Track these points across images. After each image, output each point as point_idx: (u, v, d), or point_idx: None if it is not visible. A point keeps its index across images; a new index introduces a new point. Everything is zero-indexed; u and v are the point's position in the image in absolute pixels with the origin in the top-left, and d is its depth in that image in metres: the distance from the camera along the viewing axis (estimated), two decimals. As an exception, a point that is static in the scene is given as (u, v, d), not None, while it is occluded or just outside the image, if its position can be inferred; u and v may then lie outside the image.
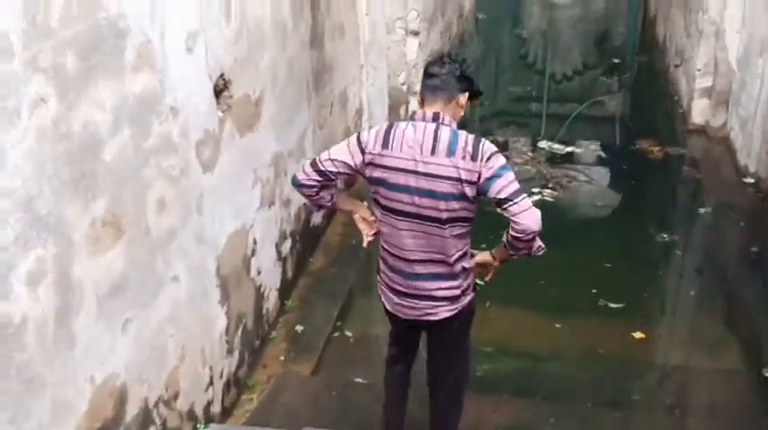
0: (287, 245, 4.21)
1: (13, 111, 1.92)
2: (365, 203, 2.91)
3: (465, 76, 2.55)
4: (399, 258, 2.65)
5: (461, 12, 9.66)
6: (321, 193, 2.75)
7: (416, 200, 2.50)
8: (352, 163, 2.60)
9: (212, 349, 3.23)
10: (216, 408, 3.26)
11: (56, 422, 2.17)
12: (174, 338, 2.87)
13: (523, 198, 2.45)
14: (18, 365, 2.00)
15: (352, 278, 4.59)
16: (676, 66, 7.58)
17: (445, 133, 2.47)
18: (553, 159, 6.13)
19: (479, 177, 2.44)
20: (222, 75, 3.19)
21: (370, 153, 2.54)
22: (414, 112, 2.63)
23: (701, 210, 5.22)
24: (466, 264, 2.68)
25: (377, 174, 2.55)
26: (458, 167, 2.44)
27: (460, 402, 2.99)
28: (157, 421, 2.76)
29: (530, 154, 6.12)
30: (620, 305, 4.17)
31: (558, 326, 4.06)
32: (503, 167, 2.46)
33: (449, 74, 2.54)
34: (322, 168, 2.67)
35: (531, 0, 12.21)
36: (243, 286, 3.55)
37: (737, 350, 3.95)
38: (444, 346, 2.86)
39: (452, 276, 2.64)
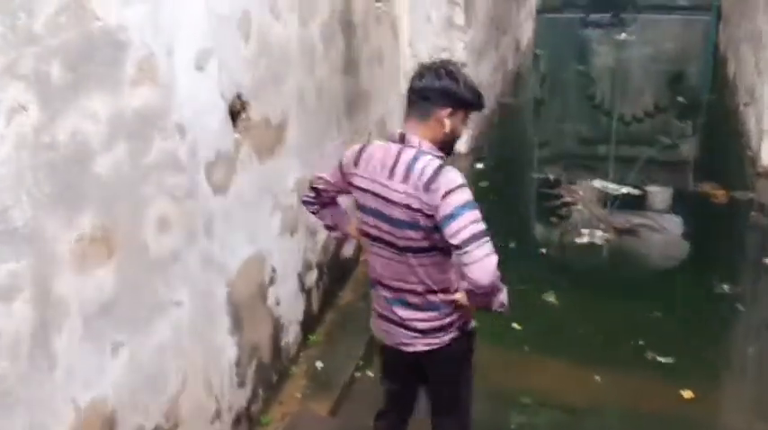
0: (312, 276, 4.07)
1: (-12, 116, 1.86)
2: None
3: (448, 90, 2.29)
4: (377, 281, 2.52)
5: (518, 46, 9.51)
6: (322, 212, 2.68)
7: (379, 224, 2.37)
8: (332, 180, 2.55)
9: (220, 380, 3.08)
10: (222, 443, 3.10)
11: (29, 444, 2.05)
12: (174, 365, 2.74)
13: (479, 245, 2.18)
14: (-15, 382, 1.90)
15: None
16: (745, 105, 7.16)
17: (406, 156, 2.29)
18: (609, 200, 5.81)
19: (438, 211, 2.23)
20: (239, 95, 3.11)
21: (346, 172, 2.45)
22: None
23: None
24: (446, 297, 2.43)
25: (353, 193, 2.46)
26: (409, 194, 2.26)
27: None
28: (153, 451, 2.62)
29: (580, 193, 5.82)
30: (669, 360, 3.83)
31: (597, 378, 3.73)
32: (463, 206, 2.21)
33: (425, 88, 2.32)
34: (314, 185, 2.63)
35: (594, 37, 11.91)
36: (258, 316, 3.41)
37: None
38: (432, 392, 2.65)
39: (428, 308, 2.43)
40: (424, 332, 2.46)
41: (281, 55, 3.47)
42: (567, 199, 5.70)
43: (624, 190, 6.02)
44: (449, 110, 2.31)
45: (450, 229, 2.19)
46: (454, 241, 2.19)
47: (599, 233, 5.18)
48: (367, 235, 2.47)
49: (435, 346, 2.47)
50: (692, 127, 8.12)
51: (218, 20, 2.90)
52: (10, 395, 1.98)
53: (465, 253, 2.18)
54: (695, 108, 8.55)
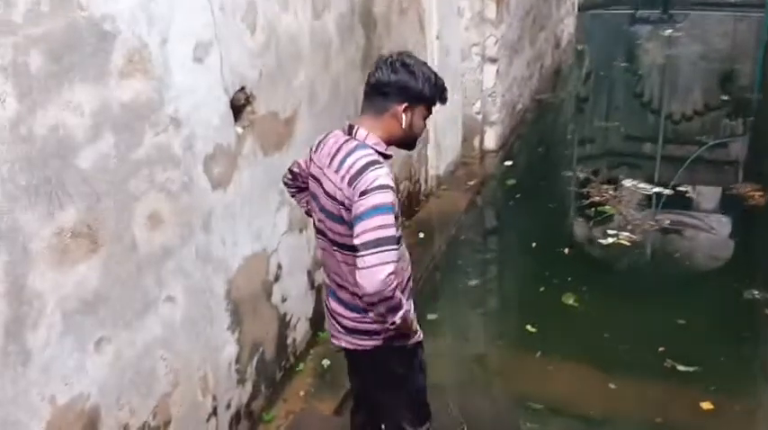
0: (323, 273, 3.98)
1: (-41, 107, 1.82)
2: None
3: (403, 85, 2.19)
4: (324, 271, 2.53)
5: (557, 42, 9.26)
6: (298, 196, 2.67)
7: (317, 212, 2.36)
8: (303, 165, 2.54)
9: (217, 377, 3.03)
10: (218, 441, 3.05)
11: (2, 442, 2.03)
12: (165, 362, 2.69)
13: (376, 252, 2.06)
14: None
15: (394, 313, 4.29)
16: (794, 103, 6.83)
17: (346, 147, 2.23)
18: (640, 201, 5.58)
19: (353, 209, 2.16)
20: (243, 89, 3.04)
21: (311, 157, 2.44)
22: None
23: (805, 267, 4.54)
24: None
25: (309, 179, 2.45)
26: (337, 186, 2.21)
27: None
28: (139, 449, 2.58)
29: (610, 193, 5.60)
30: (689, 368, 3.64)
31: (613, 386, 3.56)
32: (376, 208, 2.10)
33: (379, 82, 2.22)
34: (291, 168, 2.63)
35: (641, 34, 11.54)
36: (261, 313, 3.35)
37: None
38: (366, 394, 2.61)
39: (353, 307, 2.36)
40: (347, 330, 2.41)
41: (291, 48, 3.39)
42: (596, 198, 5.49)
43: (656, 190, 5.78)
44: (405, 104, 2.22)
45: (356, 230, 2.12)
46: (356, 242, 2.12)
47: (626, 234, 4.96)
48: (314, 223, 2.47)
49: (358, 347, 2.41)
50: (738, 126, 7.77)
51: (221, 11, 2.83)
52: (-19, 390, 1.96)
53: (360, 256, 2.10)
54: (743, 107, 8.18)
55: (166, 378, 2.70)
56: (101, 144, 2.27)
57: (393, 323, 2.18)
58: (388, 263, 2.07)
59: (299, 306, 3.72)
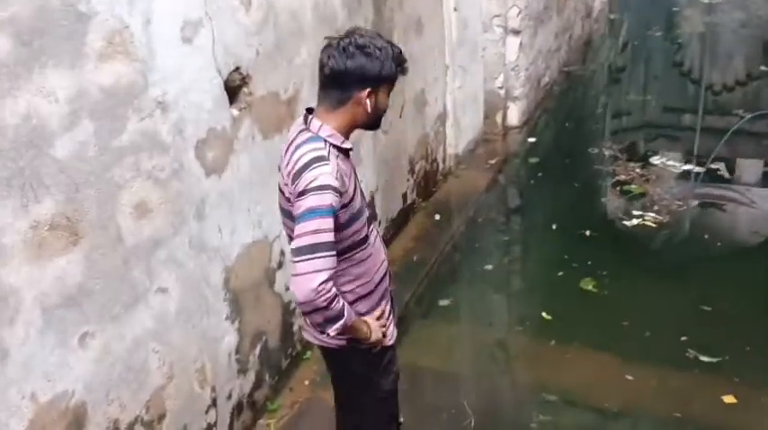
0: (331, 257, 3.87)
1: None
2: None
3: (362, 70, 2.00)
4: None
5: (588, 11, 8.91)
6: None
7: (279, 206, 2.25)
8: None
9: (216, 368, 2.94)
10: (220, 432, 2.98)
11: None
12: (158, 355, 2.61)
13: (307, 260, 1.93)
14: None
15: (407, 299, 4.15)
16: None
17: (299, 139, 2.09)
18: (665, 178, 5.32)
19: (293, 209, 2.04)
20: (238, 69, 2.90)
21: None
22: None
23: (843, 248, 4.28)
24: None
25: None
26: (284, 182, 2.10)
27: None
28: (131, 444, 2.52)
29: (638, 171, 5.36)
30: (712, 359, 3.44)
31: (630, 377, 3.39)
32: (312, 211, 1.95)
33: (334, 71, 2.03)
34: None
35: (679, 1, 11.05)
36: (263, 301, 3.25)
37: None
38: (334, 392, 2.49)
39: None
40: (313, 325, 2.26)
41: (291, 24, 3.24)
42: (622, 177, 5.26)
43: (685, 167, 5.52)
44: (367, 90, 2.04)
45: (294, 232, 1.99)
46: (291, 246, 1.99)
47: (651, 214, 4.73)
48: None
49: (322, 344, 2.30)
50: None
51: (212, -14, 2.70)
52: (-45, 390, 1.89)
53: (293, 263, 1.97)
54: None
55: (160, 371, 2.62)
56: (78, 131, 2.17)
57: (328, 335, 2.06)
58: (321, 270, 1.93)
59: (305, 292, 3.62)
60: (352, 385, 2.40)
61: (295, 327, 3.56)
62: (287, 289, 3.43)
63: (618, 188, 5.12)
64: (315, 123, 2.08)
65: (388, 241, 4.57)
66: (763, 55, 8.62)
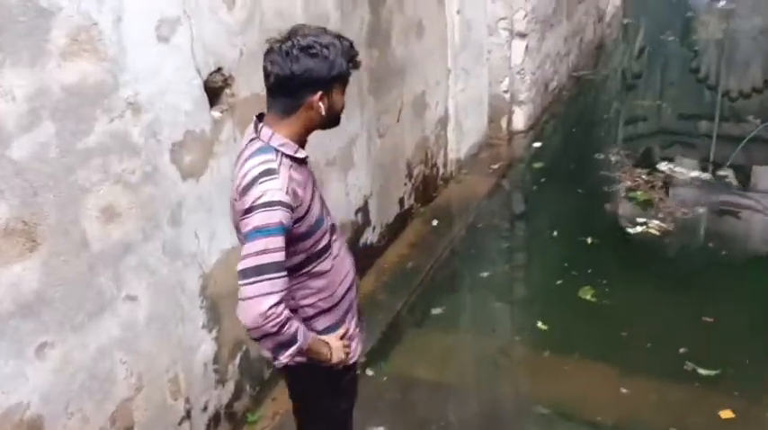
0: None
1: None
2: None
3: (310, 74, 1.84)
4: None
5: (600, 15, 8.75)
6: None
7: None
8: None
9: (190, 379, 2.84)
10: (193, 444, 2.88)
11: None
12: (125, 365, 2.52)
13: (253, 283, 1.79)
14: None
15: (398, 307, 4.03)
16: None
17: (249, 150, 1.94)
18: (672, 185, 5.16)
19: (240, 226, 1.90)
20: (220, 69, 2.81)
21: None
22: None
23: None
24: None
25: None
26: (234, 196, 1.95)
27: None
28: (94, 457, 2.42)
29: (644, 177, 5.20)
30: (711, 372, 3.29)
31: (626, 390, 3.25)
32: (259, 230, 1.81)
33: (279, 77, 1.88)
34: None
35: (696, 7, 10.81)
36: (245, 309, 3.15)
37: None
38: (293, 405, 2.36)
39: None
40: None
41: (279, 23, 3.10)
42: (628, 183, 5.10)
43: (693, 174, 5.35)
44: (319, 93, 1.90)
45: (242, 252, 1.85)
46: (237, 268, 1.85)
47: (656, 222, 4.57)
48: None
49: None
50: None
51: (192, -16, 2.60)
52: None
53: (239, 285, 1.83)
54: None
55: (127, 381, 2.52)
56: (38, 132, 2.07)
57: (279, 363, 1.93)
58: (269, 294, 1.80)
59: (291, 299, 3.52)
60: (309, 401, 2.28)
61: (280, 336, 3.47)
62: (271, 296, 3.34)
63: (623, 194, 4.97)
64: (265, 132, 1.94)
65: (383, 247, 4.46)
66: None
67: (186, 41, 2.61)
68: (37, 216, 2.10)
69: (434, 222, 4.84)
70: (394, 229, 4.61)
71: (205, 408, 2.95)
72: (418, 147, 4.84)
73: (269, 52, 1.92)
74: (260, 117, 2.00)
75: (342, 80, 1.93)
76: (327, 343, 2.07)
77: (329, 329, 2.11)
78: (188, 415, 2.85)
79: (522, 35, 5.78)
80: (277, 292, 1.81)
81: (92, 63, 2.22)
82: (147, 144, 2.48)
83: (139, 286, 2.53)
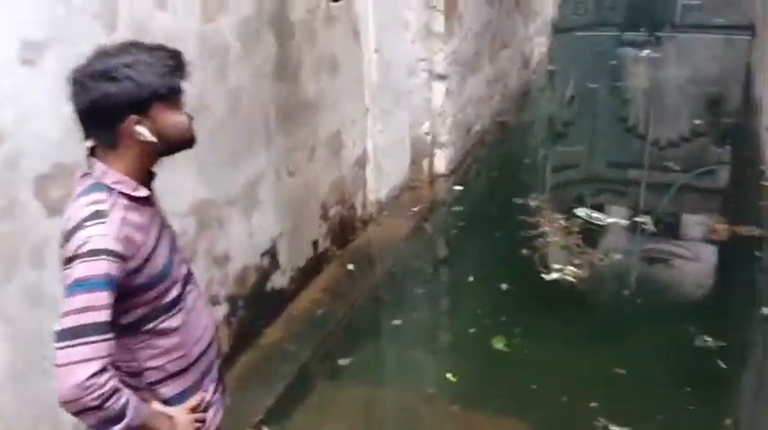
0: (219, 312, 3.51)
1: None
2: None
3: (109, 101, 1.60)
4: None
5: (526, 62, 8.89)
6: None
7: None
8: None
9: (57, 439, 2.54)
10: None
11: None
12: (-28, 427, 2.22)
13: (70, 345, 1.55)
14: None
15: (306, 358, 3.79)
16: (767, 130, 6.45)
17: (79, 189, 1.71)
18: (589, 231, 5.13)
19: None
20: (98, 98, 2.59)
21: None
22: None
23: (766, 311, 4.06)
24: (132, 381, 1.77)
25: None
26: (61, 241, 1.68)
27: None
28: None
29: (562, 223, 5.17)
30: (623, 429, 3.15)
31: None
32: (79, 283, 1.57)
33: (80, 112, 1.65)
34: None
35: (625, 57, 11.13)
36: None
37: None
38: None
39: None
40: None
41: (170, 53, 2.95)
42: (546, 228, 5.06)
43: (610, 220, 5.36)
44: (133, 117, 1.66)
45: (62, 308, 1.61)
46: (53, 328, 1.60)
47: (572, 268, 4.51)
48: None
49: None
50: (720, 154, 7.37)
51: (64, 5, 2.40)
52: None
53: (56, 349, 1.58)
54: (722, 132, 7.79)
55: (-27, 447, 2.23)
56: None
57: None
58: (90, 360, 1.54)
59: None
60: None
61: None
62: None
63: (541, 240, 4.90)
64: (99, 167, 1.68)
65: (293, 292, 4.24)
66: (706, 111, 8.70)
67: (54, 66, 2.39)
68: None
69: (350, 266, 4.66)
70: (306, 273, 4.40)
71: (73, 473, 2.64)
72: (334, 187, 4.68)
73: (68, 83, 1.67)
74: (92, 150, 1.72)
75: (163, 97, 1.67)
76: (172, 417, 1.77)
77: (182, 396, 1.83)
78: (50, 483, 2.54)
79: (443, 77, 5.75)
80: (99, 358, 1.55)
81: (-67, 84, 1.99)
82: (2, 176, 2.23)
83: (-9, 336, 2.25)
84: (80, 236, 1.59)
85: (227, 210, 3.51)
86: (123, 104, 1.62)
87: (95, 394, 1.54)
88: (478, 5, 6.49)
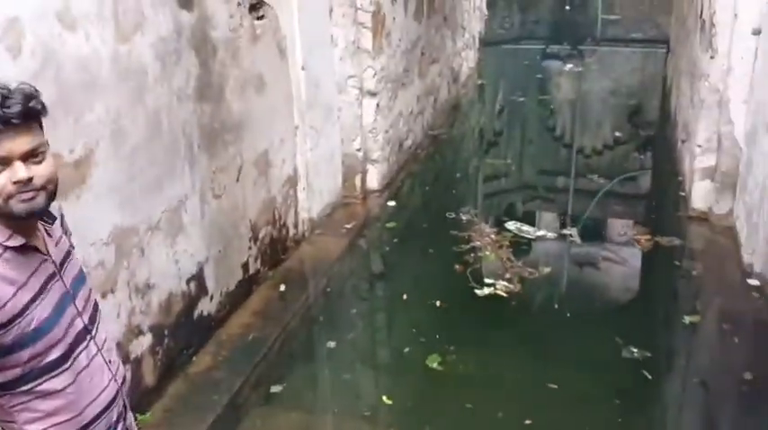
0: (142, 343, 3.37)
1: None
2: None
3: None
4: None
5: (455, 76, 8.99)
6: None
7: None
8: None
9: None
10: None
11: None
12: None
13: None
14: None
15: (238, 386, 3.67)
16: (683, 142, 6.67)
17: None
18: (519, 245, 5.20)
19: None
20: (2, 125, 2.44)
21: None
22: None
23: (687, 319, 4.16)
24: None
25: None
26: None
27: None
28: None
29: (492, 236, 5.20)
30: (555, 447, 3.18)
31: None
32: None
33: None
34: None
35: (549, 70, 11.45)
36: None
37: None
38: None
39: None
40: None
41: (81, 76, 2.81)
42: (477, 243, 5.08)
43: (539, 233, 5.44)
44: None
45: None
46: None
47: (503, 283, 4.54)
48: None
49: None
50: (641, 162, 7.62)
51: (-40, 28, 2.26)
52: None
53: None
54: (642, 144, 8.06)
55: None
56: None
57: None
58: None
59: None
60: None
61: (89, 427, 3.02)
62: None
63: (472, 255, 4.92)
64: None
65: (223, 317, 4.11)
66: (628, 121, 8.99)
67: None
68: None
69: (282, 287, 4.55)
70: (236, 297, 4.28)
71: None
72: (264, 207, 4.58)
73: None
74: None
75: None
76: None
77: None
78: None
79: (373, 94, 5.73)
80: None
81: None
82: None
83: None
84: None
85: (149, 236, 3.37)
86: None
87: None
88: (406, 22, 6.52)
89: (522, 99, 9.76)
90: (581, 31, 12.68)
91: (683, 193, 5.80)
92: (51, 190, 1.61)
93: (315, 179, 5.26)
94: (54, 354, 1.63)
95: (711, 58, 5.28)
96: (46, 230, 1.70)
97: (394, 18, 6.11)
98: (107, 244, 3.05)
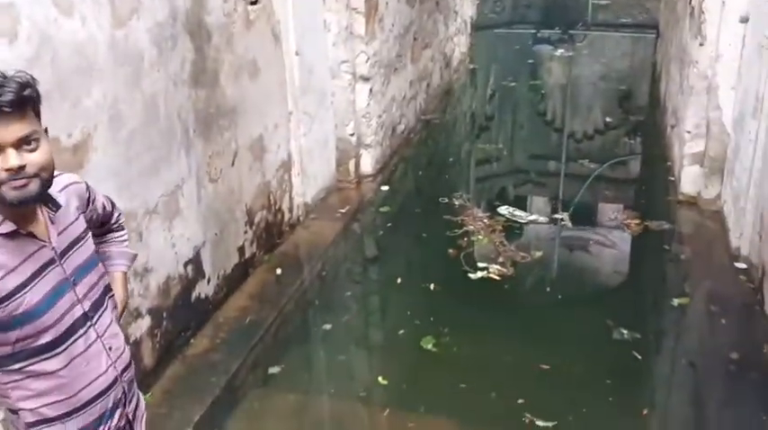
0: (142, 325, 3.42)
1: None
2: None
3: None
4: None
5: (447, 61, 9.00)
6: None
7: None
8: None
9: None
10: None
11: None
12: None
13: None
14: None
15: (235, 368, 3.72)
16: (672, 127, 6.74)
17: None
18: (511, 229, 5.26)
19: None
20: (1, 109, 2.46)
21: None
22: None
23: (676, 302, 4.24)
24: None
25: None
26: None
27: None
28: None
29: (485, 221, 5.26)
30: (548, 424, 3.22)
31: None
32: None
33: None
34: None
35: (541, 54, 11.47)
36: None
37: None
38: None
39: None
40: None
41: (77, 61, 2.82)
42: (470, 227, 5.13)
43: (531, 217, 5.50)
44: None
45: None
46: None
47: (496, 267, 4.60)
48: None
49: None
50: (632, 146, 7.69)
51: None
52: None
53: None
54: (632, 129, 8.12)
55: None
56: None
57: None
58: None
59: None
60: None
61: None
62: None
63: (465, 239, 4.98)
64: None
65: (220, 300, 4.16)
66: (618, 106, 9.05)
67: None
68: None
69: (278, 271, 4.60)
70: (233, 280, 4.33)
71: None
72: (259, 192, 4.61)
73: None
74: None
75: None
76: None
77: None
78: None
79: (366, 79, 5.75)
80: None
81: None
82: None
83: None
84: None
85: (147, 220, 3.41)
86: None
87: None
88: (399, 7, 6.53)
89: (513, 84, 9.79)
90: (572, 16, 12.71)
91: (672, 178, 5.87)
92: (45, 177, 1.61)
93: (309, 164, 5.29)
94: (45, 338, 1.66)
95: (701, 44, 5.33)
96: (50, 217, 1.72)
97: (387, 3, 6.12)
98: (105, 228, 3.08)
